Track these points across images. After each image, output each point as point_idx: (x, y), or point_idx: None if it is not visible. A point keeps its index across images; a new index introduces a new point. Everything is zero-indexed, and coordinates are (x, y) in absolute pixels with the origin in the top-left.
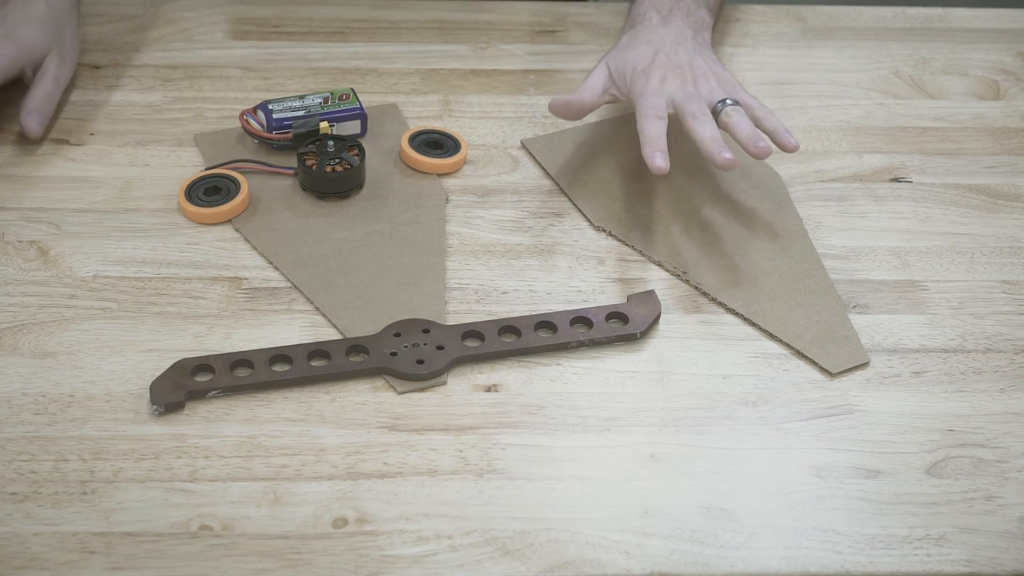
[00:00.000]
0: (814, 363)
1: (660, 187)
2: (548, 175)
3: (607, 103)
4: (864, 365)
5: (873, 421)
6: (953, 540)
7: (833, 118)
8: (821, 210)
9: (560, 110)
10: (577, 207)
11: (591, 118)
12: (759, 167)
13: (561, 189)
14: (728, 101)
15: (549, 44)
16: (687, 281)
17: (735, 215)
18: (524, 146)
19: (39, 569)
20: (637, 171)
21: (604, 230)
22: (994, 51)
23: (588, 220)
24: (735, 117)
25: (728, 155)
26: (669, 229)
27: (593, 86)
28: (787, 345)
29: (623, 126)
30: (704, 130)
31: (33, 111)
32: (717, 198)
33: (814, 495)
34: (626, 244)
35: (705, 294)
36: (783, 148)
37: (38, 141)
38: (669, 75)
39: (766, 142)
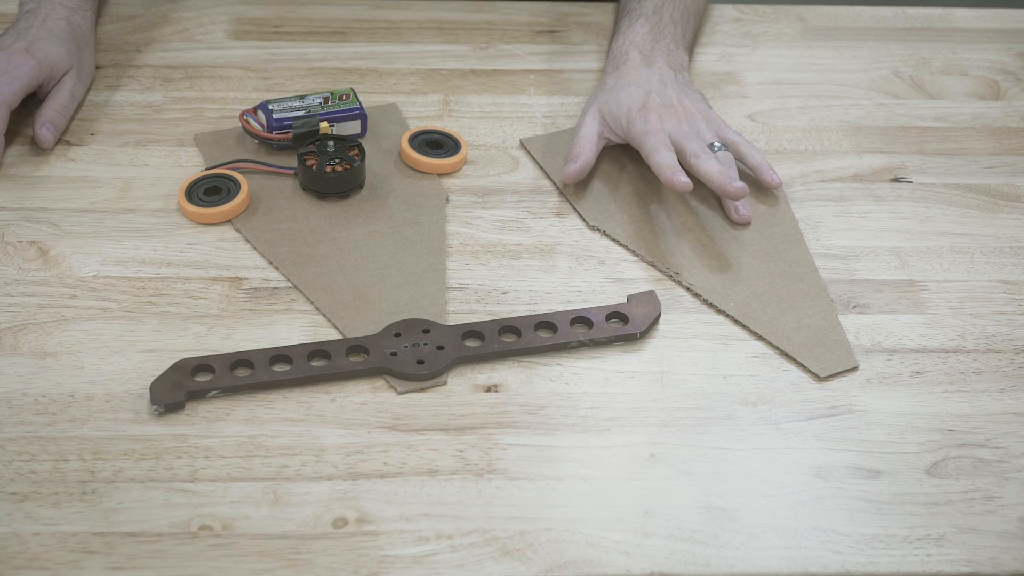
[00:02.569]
0: (803, 366)
1: (655, 189)
2: (547, 175)
3: (603, 147)
4: (854, 369)
5: (873, 421)
6: (953, 540)
7: (833, 118)
8: (821, 210)
9: (574, 178)
10: (573, 207)
11: None
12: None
13: (559, 189)
14: (716, 146)
15: (549, 44)
16: (679, 282)
17: (730, 217)
18: (523, 146)
19: (39, 569)
20: (633, 172)
21: (599, 230)
22: (994, 51)
23: (584, 220)
24: (722, 161)
25: (739, 183)
26: (663, 230)
27: (589, 135)
28: (776, 348)
29: None
30: (710, 166)
31: (47, 123)
32: (712, 200)
33: (814, 495)
34: (620, 244)
35: (697, 295)
36: (765, 184)
37: (49, 151)
38: (664, 114)
39: (742, 185)
